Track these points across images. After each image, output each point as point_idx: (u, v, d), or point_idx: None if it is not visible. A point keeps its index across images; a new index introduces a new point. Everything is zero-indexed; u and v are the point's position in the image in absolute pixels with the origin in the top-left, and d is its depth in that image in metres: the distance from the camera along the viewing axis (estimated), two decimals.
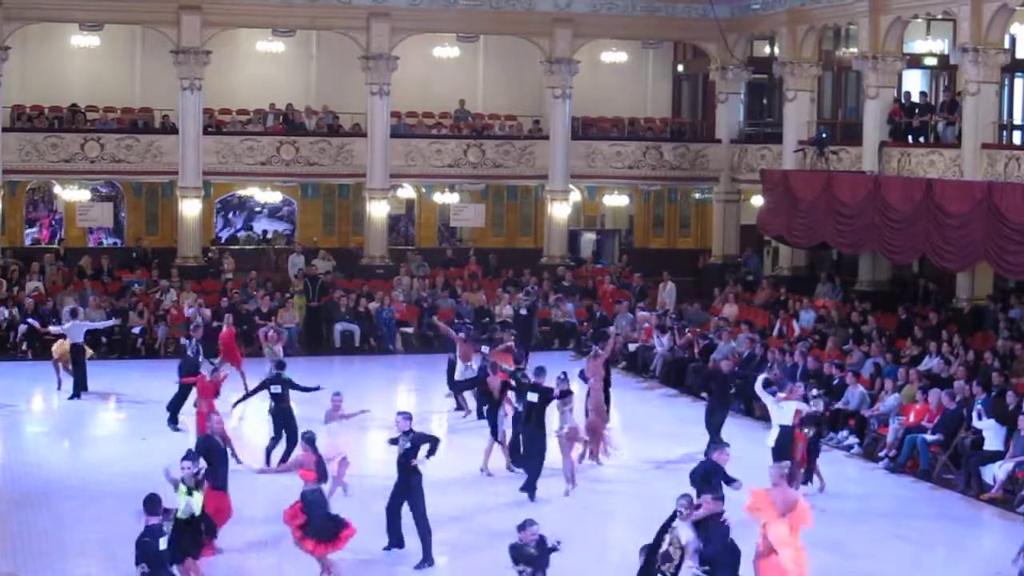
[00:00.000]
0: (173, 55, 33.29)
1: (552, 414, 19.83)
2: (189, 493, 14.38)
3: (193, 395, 21.33)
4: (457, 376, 24.18)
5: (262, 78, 36.34)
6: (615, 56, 38.00)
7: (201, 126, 33.60)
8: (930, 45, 33.11)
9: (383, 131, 34.50)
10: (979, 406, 20.80)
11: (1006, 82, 30.80)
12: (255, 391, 20.98)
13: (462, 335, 24.32)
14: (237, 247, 36.71)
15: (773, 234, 33.09)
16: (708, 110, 38.35)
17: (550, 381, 19.84)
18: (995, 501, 19.75)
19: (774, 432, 19.76)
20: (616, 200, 38.27)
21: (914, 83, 33.57)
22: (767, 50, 37.28)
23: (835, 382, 24.01)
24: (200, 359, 23.06)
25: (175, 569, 13.85)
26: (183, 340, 25.79)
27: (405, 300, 32.55)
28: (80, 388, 25.66)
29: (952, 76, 32.81)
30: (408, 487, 16.19)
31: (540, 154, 35.74)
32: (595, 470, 21.00)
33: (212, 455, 16.08)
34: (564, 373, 20.60)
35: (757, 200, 34.32)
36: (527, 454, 19.65)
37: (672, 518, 13.30)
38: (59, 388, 25.99)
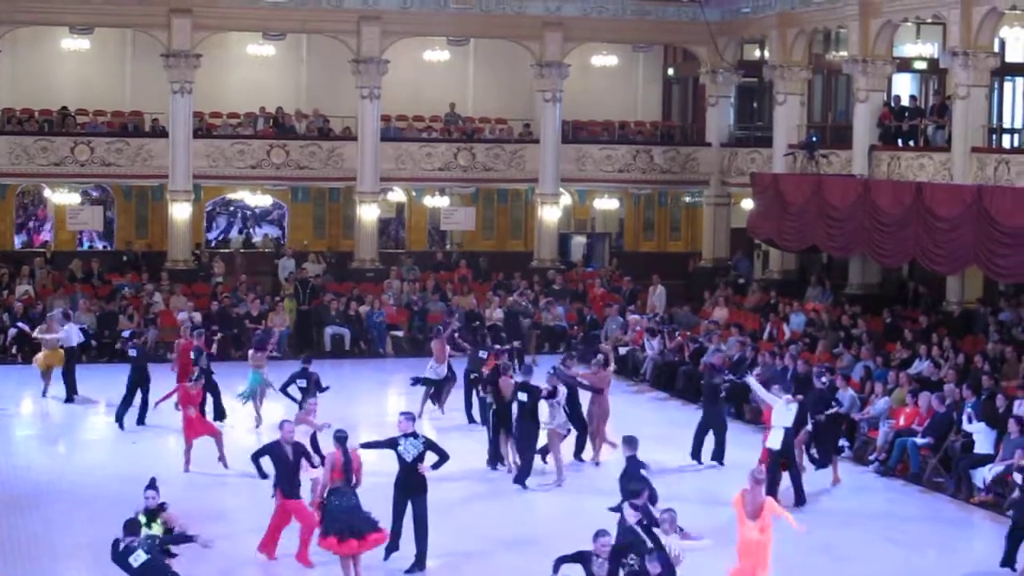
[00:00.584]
0: (163, 58, 33.23)
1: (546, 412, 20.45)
2: (147, 525, 13.83)
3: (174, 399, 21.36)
4: (427, 374, 24.40)
5: (252, 81, 36.30)
6: (605, 60, 38.02)
7: (191, 129, 33.53)
8: (920, 49, 33.09)
9: (373, 134, 34.46)
10: (969, 409, 20.84)
11: (996, 86, 30.79)
12: (286, 385, 21.68)
13: (485, 351, 23.75)
14: (227, 250, 36.69)
15: (763, 237, 33.11)
16: (698, 114, 38.34)
17: (538, 379, 20.77)
18: (985, 504, 19.75)
19: (778, 434, 19.20)
20: (606, 203, 38.26)
21: (904, 87, 33.55)
22: (757, 54, 37.30)
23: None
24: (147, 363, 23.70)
25: None
26: (128, 347, 24.91)
27: (395, 303, 32.55)
28: (72, 392, 25.64)
29: (942, 80, 32.78)
30: (415, 489, 15.94)
31: (530, 157, 35.70)
32: (590, 470, 21.16)
33: (282, 464, 15.91)
34: (554, 368, 21.44)
35: (747, 203, 34.32)
36: (521, 448, 20.35)
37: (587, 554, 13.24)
38: (44, 395, 25.92)
